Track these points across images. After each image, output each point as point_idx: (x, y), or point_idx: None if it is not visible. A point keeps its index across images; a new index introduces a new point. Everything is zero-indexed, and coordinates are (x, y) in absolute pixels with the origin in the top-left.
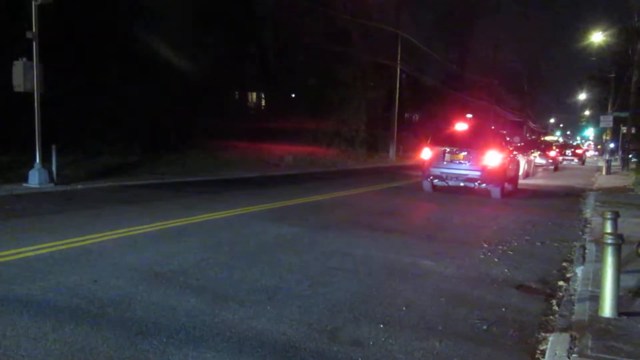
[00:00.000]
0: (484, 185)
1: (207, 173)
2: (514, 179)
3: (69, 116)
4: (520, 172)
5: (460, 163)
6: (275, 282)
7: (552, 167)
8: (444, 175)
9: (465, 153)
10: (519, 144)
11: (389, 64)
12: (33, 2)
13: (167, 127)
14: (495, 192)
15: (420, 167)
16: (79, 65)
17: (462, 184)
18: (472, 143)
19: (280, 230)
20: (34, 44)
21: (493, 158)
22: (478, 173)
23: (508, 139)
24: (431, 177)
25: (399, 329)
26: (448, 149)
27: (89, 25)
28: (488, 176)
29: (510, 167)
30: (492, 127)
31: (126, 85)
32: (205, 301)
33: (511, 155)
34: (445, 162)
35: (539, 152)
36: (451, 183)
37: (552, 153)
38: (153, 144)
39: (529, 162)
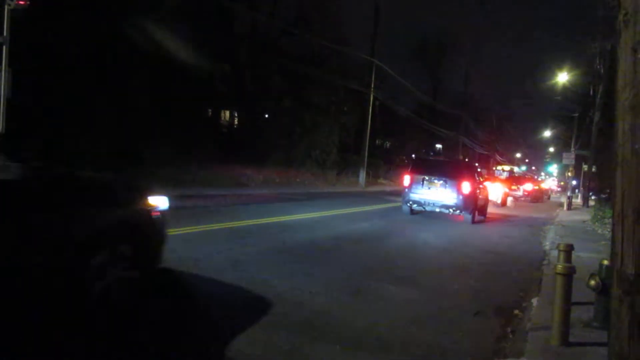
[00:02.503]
0: (457, 211)
1: (174, 189)
2: (483, 208)
3: (38, 125)
4: (500, 201)
5: (437, 190)
6: (233, 301)
7: (529, 199)
8: (422, 201)
9: (442, 182)
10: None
11: (362, 91)
12: (6, 7)
13: (136, 142)
14: (468, 218)
15: (389, 192)
16: (50, 74)
17: (437, 210)
18: (448, 173)
19: (244, 249)
20: (4, 48)
21: (467, 188)
22: (453, 200)
23: (479, 170)
24: (410, 202)
25: (356, 351)
26: (427, 177)
27: (63, 34)
28: (462, 204)
29: (480, 196)
30: (467, 160)
31: (97, 97)
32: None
33: (481, 187)
34: (423, 189)
35: (517, 186)
36: (428, 208)
37: (529, 186)
38: (120, 156)
39: (504, 193)
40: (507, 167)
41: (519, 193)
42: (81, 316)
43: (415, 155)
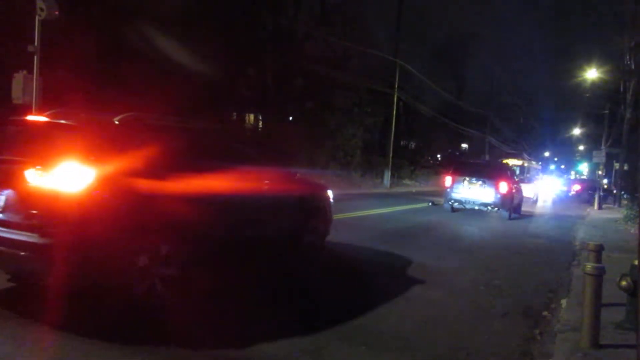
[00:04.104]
0: (495, 209)
1: None
2: (518, 206)
3: None
4: (536, 199)
5: (476, 190)
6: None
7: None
8: (463, 200)
9: (481, 182)
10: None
11: (386, 92)
12: (37, 17)
13: None
14: (505, 215)
15: (417, 193)
16: (79, 81)
17: (476, 207)
18: (486, 174)
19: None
20: (35, 57)
21: (504, 187)
22: (491, 199)
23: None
24: (452, 201)
25: (381, 352)
26: (467, 178)
27: (91, 42)
28: (499, 202)
29: (516, 195)
30: (503, 162)
31: (121, 102)
32: None
33: (516, 186)
34: (464, 189)
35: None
36: (468, 206)
37: (578, 186)
38: None
39: (537, 191)
40: (517, 162)
41: (570, 192)
42: (298, 253)
43: (447, 155)
